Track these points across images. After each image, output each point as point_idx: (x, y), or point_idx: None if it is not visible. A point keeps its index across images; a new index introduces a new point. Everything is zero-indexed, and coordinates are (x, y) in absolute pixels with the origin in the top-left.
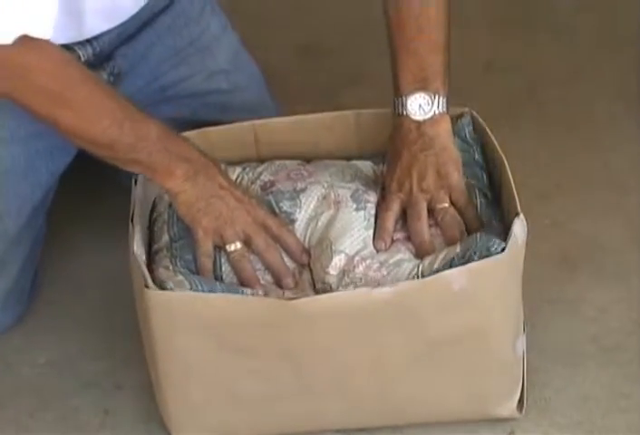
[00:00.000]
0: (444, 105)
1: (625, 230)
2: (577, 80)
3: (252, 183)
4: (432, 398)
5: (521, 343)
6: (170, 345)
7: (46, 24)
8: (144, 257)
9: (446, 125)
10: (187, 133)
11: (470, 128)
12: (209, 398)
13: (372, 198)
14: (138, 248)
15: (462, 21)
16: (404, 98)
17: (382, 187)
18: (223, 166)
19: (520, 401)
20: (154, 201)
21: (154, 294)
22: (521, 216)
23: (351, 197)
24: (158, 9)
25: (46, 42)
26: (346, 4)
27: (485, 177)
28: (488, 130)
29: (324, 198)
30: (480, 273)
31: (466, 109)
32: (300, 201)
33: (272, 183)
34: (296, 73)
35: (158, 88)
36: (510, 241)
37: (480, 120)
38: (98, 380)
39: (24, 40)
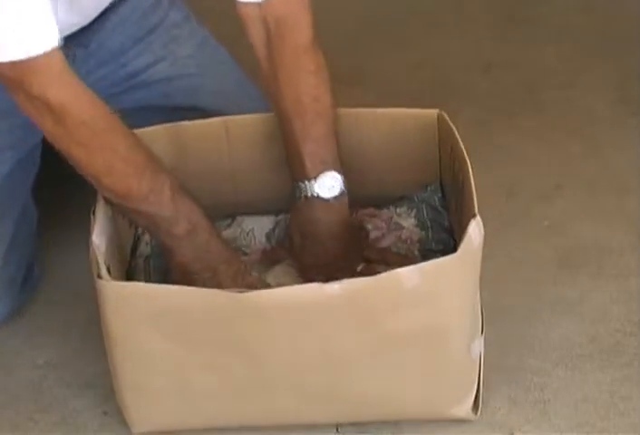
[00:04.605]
0: (344, 182)
1: (625, 232)
2: (578, 80)
3: None
4: (387, 396)
5: (478, 344)
6: (124, 336)
7: (52, 35)
8: (103, 248)
9: (346, 203)
10: (158, 127)
11: (439, 195)
12: (164, 390)
13: None
14: (97, 238)
15: (462, 21)
16: (314, 181)
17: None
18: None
19: (476, 402)
20: None
21: (107, 284)
22: (478, 217)
23: None
24: (112, 3)
25: (78, 82)
26: (347, 4)
27: (452, 242)
28: (456, 132)
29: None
30: (432, 271)
31: (436, 110)
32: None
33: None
34: None
35: (125, 75)
36: (464, 241)
37: (450, 122)
38: (97, 381)
39: (59, 75)
